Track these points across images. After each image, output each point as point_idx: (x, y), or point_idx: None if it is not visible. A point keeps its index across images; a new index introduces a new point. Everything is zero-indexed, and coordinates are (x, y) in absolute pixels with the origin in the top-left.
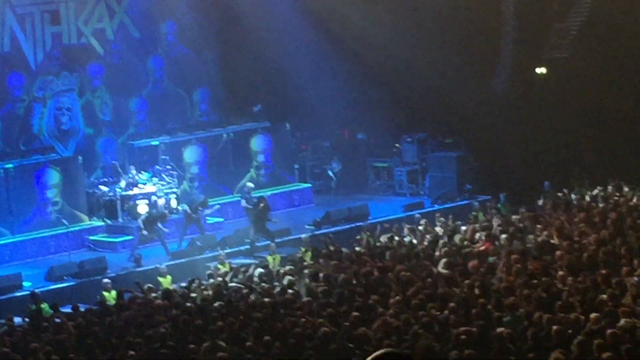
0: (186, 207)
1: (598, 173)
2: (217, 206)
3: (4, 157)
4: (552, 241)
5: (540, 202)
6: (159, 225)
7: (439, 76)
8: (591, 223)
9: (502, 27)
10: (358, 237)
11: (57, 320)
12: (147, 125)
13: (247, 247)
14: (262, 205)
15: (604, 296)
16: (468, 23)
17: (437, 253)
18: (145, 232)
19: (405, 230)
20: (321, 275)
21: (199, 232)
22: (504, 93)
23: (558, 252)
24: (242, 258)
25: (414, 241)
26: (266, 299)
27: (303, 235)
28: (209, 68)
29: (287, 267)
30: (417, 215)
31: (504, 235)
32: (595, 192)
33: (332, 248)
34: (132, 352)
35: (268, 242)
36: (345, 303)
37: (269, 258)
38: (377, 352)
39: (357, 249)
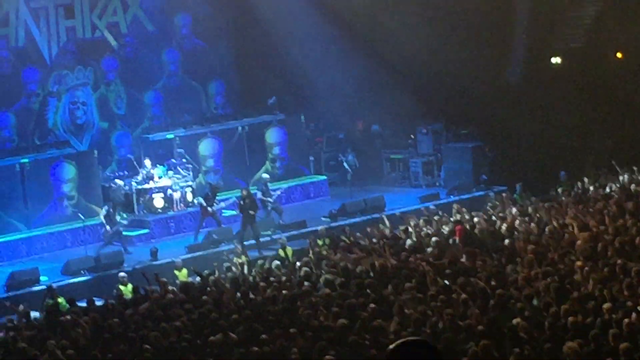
0: (202, 201)
1: (614, 162)
2: (233, 199)
3: (19, 151)
4: (568, 231)
5: (556, 192)
6: (118, 219)
7: (453, 67)
8: (608, 212)
9: (516, 17)
10: (375, 228)
11: (68, 317)
12: (162, 119)
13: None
14: (247, 196)
15: (622, 286)
16: (481, 12)
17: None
18: (107, 228)
19: (421, 222)
20: (339, 266)
21: (216, 225)
22: (519, 83)
23: (575, 242)
24: (256, 251)
25: (430, 232)
26: (283, 292)
27: (319, 227)
28: (224, 60)
29: (304, 259)
30: (432, 207)
31: (521, 226)
32: (612, 181)
33: (349, 240)
34: (148, 346)
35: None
36: (362, 295)
37: (281, 251)
38: (399, 341)
39: (373, 240)
